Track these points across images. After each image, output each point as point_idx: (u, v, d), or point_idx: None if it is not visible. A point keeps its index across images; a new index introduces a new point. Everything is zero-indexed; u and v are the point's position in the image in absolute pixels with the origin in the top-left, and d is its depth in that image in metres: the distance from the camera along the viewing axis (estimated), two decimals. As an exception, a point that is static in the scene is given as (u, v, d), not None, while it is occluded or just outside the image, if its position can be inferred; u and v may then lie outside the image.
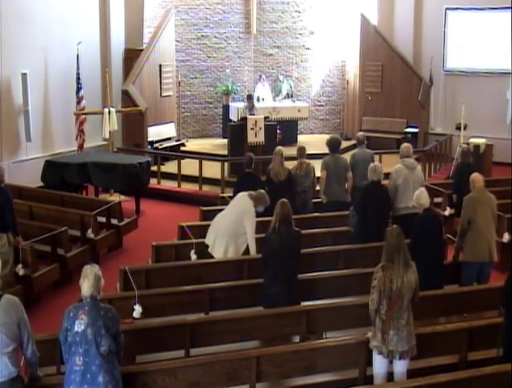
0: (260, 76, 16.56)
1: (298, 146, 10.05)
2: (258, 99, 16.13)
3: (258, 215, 8.16)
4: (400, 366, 5.41)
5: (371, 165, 8.44)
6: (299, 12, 17.00)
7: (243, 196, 7.68)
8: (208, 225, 7.99)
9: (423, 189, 7.45)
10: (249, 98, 14.28)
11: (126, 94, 14.10)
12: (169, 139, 15.14)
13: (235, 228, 7.54)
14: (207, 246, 7.73)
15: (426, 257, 6.73)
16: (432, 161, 14.02)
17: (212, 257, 7.67)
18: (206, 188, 12.91)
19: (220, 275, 7.28)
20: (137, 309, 6.46)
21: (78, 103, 13.53)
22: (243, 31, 16.79)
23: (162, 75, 15.17)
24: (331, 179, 9.32)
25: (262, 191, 7.88)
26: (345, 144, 11.68)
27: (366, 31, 16.28)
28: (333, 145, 9.56)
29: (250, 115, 13.68)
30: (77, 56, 13.42)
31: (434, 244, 7.06)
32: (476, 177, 7.58)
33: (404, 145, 9.01)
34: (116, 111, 13.43)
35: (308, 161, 9.53)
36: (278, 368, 5.47)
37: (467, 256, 7.42)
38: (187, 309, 6.71)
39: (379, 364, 5.44)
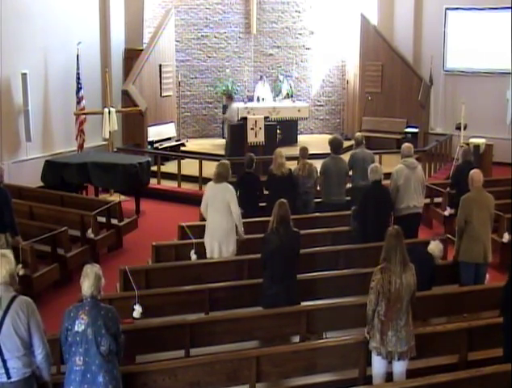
0: (261, 76, 16.57)
1: (300, 147, 10.03)
2: (258, 99, 16.15)
3: (258, 215, 8.19)
4: (399, 366, 5.41)
5: (372, 165, 8.44)
6: (299, 12, 17.00)
7: (216, 188, 7.69)
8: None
9: (438, 243, 7.30)
10: (229, 97, 14.46)
11: (126, 94, 14.09)
12: (169, 139, 15.13)
13: (231, 225, 7.64)
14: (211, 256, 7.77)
15: None
16: (432, 161, 14.01)
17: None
18: (206, 188, 12.89)
19: (220, 275, 7.29)
20: (137, 310, 6.47)
21: (78, 103, 13.53)
22: (243, 31, 16.79)
23: (162, 75, 15.16)
24: (331, 180, 9.29)
25: (221, 162, 7.98)
26: (345, 144, 11.65)
27: (366, 31, 16.27)
28: (335, 145, 9.54)
29: (224, 113, 14.37)
30: (77, 56, 13.42)
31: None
32: (476, 175, 7.54)
33: (406, 145, 9.01)
34: (116, 111, 13.43)
35: (310, 161, 9.55)
36: (278, 368, 5.47)
37: (462, 256, 7.43)
38: (187, 310, 6.71)
39: (377, 365, 5.44)
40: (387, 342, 5.32)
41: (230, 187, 7.73)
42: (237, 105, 15.49)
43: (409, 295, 5.33)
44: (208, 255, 7.75)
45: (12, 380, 4.53)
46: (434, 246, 7.21)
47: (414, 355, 5.44)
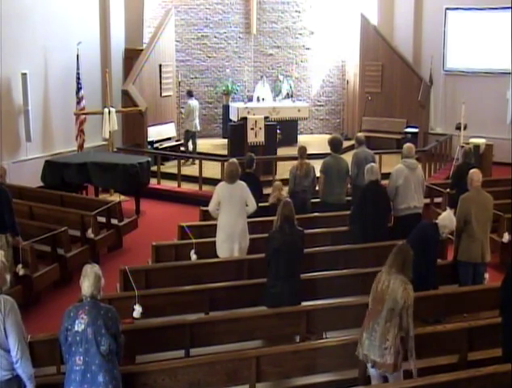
0: (262, 76, 16.56)
1: (299, 146, 10.04)
2: (258, 99, 16.15)
3: (259, 215, 8.18)
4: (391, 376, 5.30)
5: (368, 166, 8.46)
6: (299, 12, 17.01)
7: (232, 188, 7.69)
8: (209, 225, 7.98)
9: (452, 216, 7.25)
10: (188, 93, 14.76)
11: (126, 94, 14.10)
12: (169, 139, 15.15)
13: (245, 220, 7.73)
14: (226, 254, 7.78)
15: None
16: (432, 161, 14.01)
17: (214, 257, 7.72)
18: (206, 188, 12.90)
19: (220, 275, 7.29)
20: (137, 309, 6.46)
21: (78, 102, 13.54)
22: (243, 31, 16.80)
23: (162, 75, 15.18)
24: (333, 180, 9.26)
25: (230, 161, 7.99)
26: (345, 144, 11.68)
27: (366, 31, 16.28)
28: (335, 144, 9.52)
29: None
30: (77, 56, 13.43)
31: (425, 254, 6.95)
32: (475, 175, 7.53)
33: (407, 145, 8.97)
34: (116, 111, 13.43)
35: (308, 161, 9.53)
36: (278, 368, 5.47)
37: (460, 256, 7.43)
38: (187, 310, 6.71)
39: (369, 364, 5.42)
40: (362, 343, 5.30)
41: (244, 183, 7.79)
42: (237, 105, 15.54)
43: (393, 304, 5.13)
44: (224, 255, 7.72)
45: None
46: (443, 216, 7.14)
47: (392, 373, 5.23)
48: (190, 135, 14.63)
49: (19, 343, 4.46)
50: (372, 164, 8.65)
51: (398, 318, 5.15)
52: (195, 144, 14.68)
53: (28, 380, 4.54)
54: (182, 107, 16.30)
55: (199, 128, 14.75)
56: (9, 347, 4.46)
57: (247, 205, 7.77)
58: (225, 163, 8.24)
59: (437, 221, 7.09)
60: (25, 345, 4.53)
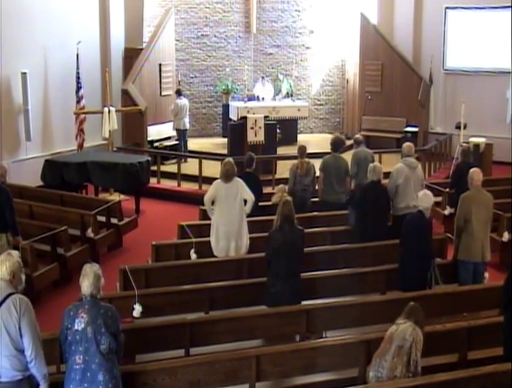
0: (263, 77, 16.54)
1: (299, 145, 10.05)
2: (258, 99, 16.15)
3: (258, 214, 8.17)
4: None
5: (371, 165, 8.45)
6: (299, 11, 17.01)
7: (227, 187, 7.69)
8: (208, 225, 7.98)
9: (428, 192, 7.28)
10: (177, 92, 14.78)
11: (126, 94, 14.10)
12: (168, 138, 15.15)
13: (243, 217, 7.73)
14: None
15: (413, 256, 6.85)
16: (432, 160, 14.01)
17: (214, 256, 7.73)
18: (206, 188, 12.86)
19: (220, 274, 7.29)
20: (137, 309, 6.47)
21: (78, 102, 13.54)
22: (243, 30, 16.80)
23: (162, 74, 15.18)
24: (331, 179, 9.27)
25: (226, 160, 7.96)
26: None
27: (366, 31, 16.27)
28: (335, 144, 9.52)
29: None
30: (77, 55, 13.43)
31: (421, 244, 6.99)
32: (475, 174, 7.52)
33: (407, 144, 8.98)
34: (116, 111, 13.43)
35: (308, 160, 9.53)
36: (278, 367, 5.47)
37: (460, 255, 7.44)
38: (187, 309, 6.71)
39: None
40: (368, 381, 5.07)
41: (240, 180, 7.79)
42: (237, 104, 15.55)
43: (402, 342, 4.97)
44: (221, 254, 7.72)
45: (1, 380, 4.45)
46: (420, 197, 7.09)
47: None
48: (179, 133, 14.70)
49: (34, 343, 4.48)
50: (376, 163, 8.65)
51: (406, 358, 4.96)
52: (185, 142, 14.71)
53: (42, 379, 4.56)
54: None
55: (187, 127, 14.78)
56: (23, 347, 4.47)
57: (246, 201, 7.76)
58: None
59: (419, 208, 7.06)
60: (39, 345, 4.54)
